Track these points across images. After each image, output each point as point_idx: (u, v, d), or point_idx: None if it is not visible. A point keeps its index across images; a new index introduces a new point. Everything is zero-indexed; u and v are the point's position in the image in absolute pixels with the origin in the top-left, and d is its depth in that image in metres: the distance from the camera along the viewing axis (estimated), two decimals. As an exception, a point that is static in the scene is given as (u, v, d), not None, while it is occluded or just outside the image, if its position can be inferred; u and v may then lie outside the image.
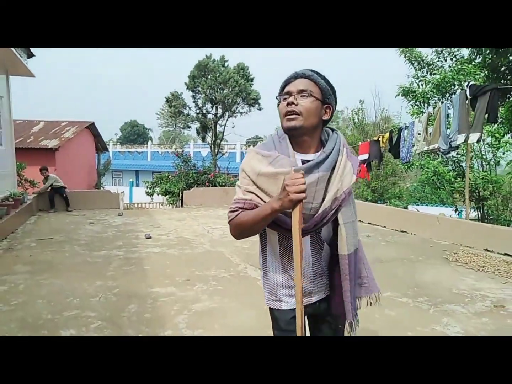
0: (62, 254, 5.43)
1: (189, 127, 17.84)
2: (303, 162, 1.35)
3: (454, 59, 9.56)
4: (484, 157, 9.64)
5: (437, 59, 9.83)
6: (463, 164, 9.34)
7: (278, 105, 1.39)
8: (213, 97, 15.95)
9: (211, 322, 3.22)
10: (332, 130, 1.45)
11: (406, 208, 11.64)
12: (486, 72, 8.27)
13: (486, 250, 5.68)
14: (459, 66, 8.99)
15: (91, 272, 4.59)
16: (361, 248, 1.48)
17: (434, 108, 8.48)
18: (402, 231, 7.35)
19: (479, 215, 9.70)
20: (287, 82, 1.37)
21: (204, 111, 16.66)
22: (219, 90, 15.85)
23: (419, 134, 7.13)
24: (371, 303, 1.51)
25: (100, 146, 19.95)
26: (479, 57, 8.62)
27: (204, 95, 16.01)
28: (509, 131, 8.06)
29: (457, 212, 10.30)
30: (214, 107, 16.47)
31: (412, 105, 9.82)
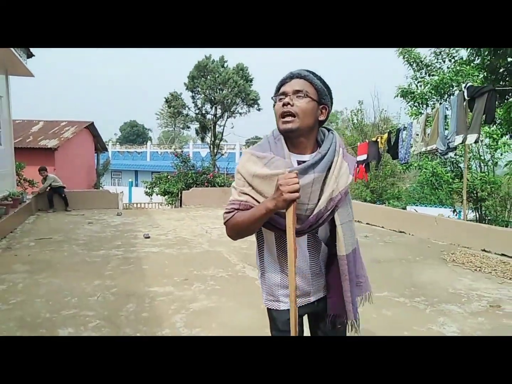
0: (61, 254, 5.44)
1: (189, 127, 17.83)
2: (299, 163, 1.34)
3: (453, 60, 9.59)
4: (482, 158, 9.66)
5: (435, 60, 9.86)
6: (461, 165, 9.36)
7: (274, 105, 1.38)
8: (213, 98, 15.96)
9: (209, 321, 3.24)
10: (328, 130, 1.45)
11: (404, 208, 11.66)
12: (485, 73, 8.30)
13: (484, 250, 5.70)
14: (458, 68, 9.02)
15: (89, 271, 4.60)
16: (358, 248, 1.47)
17: (432, 109, 8.50)
18: (400, 232, 7.37)
19: (477, 216, 9.72)
20: (282, 83, 1.37)
21: (203, 112, 16.66)
22: (218, 91, 15.86)
23: (417, 135, 7.15)
24: (364, 303, 1.51)
25: (100, 146, 19.96)
26: (478, 59, 8.64)
27: (203, 95, 16.01)
28: (508, 132, 8.07)
29: (455, 213, 10.32)
30: (213, 108, 16.47)
31: (410, 106, 9.84)
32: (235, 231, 1.35)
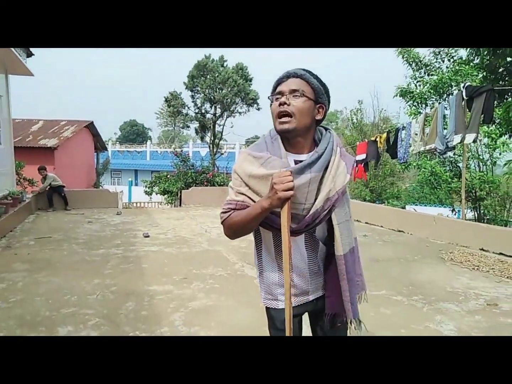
0: (61, 253, 5.46)
1: (188, 126, 17.88)
2: (296, 162, 1.33)
3: (452, 60, 9.61)
4: (481, 157, 9.68)
5: (434, 60, 9.88)
6: (460, 165, 9.38)
7: (271, 105, 1.37)
8: (212, 97, 15.99)
9: (208, 319, 3.25)
10: (326, 129, 1.44)
11: (403, 208, 11.68)
12: (484, 73, 8.31)
13: (482, 249, 5.72)
14: (456, 67, 9.03)
15: (89, 270, 4.62)
16: (357, 247, 1.47)
17: (431, 108, 8.52)
18: (399, 231, 7.39)
19: (476, 215, 9.75)
20: (279, 82, 1.36)
21: (203, 111, 16.70)
22: (218, 90, 15.88)
23: (416, 134, 7.16)
24: (360, 302, 1.51)
25: (99, 146, 19.98)
26: (477, 58, 8.66)
27: (203, 94, 16.04)
28: (507, 132, 8.09)
29: (454, 212, 10.34)
30: (213, 107, 16.51)
31: (409, 106, 9.86)
32: (232, 230, 1.36)
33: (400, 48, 9.84)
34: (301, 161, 1.32)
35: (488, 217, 9.72)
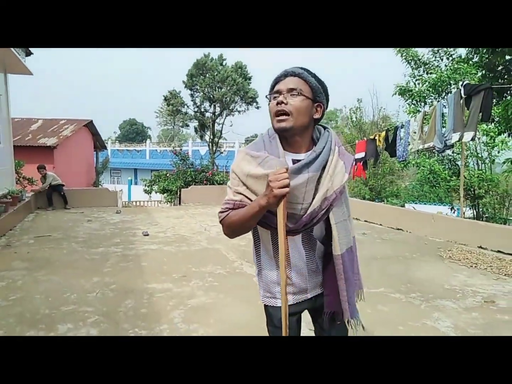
0: (60, 251, 5.48)
1: (188, 125, 17.88)
2: (294, 162, 1.33)
3: (450, 58, 9.62)
4: (480, 155, 9.70)
5: (433, 58, 9.89)
6: (459, 163, 9.40)
7: (269, 103, 1.36)
8: (211, 96, 15.99)
9: (207, 317, 3.27)
10: (324, 128, 1.43)
11: (403, 206, 11.70)
12: (483, 71, 8.33)
13: (480, 247, 5.75)
14: (455, 66, 9.04)
15: (88, 268, 4.64)
16: (355, 246, 1.47)
17: (430, 107, 8.54)
18: (398, 229, 7.41)
19: (474, 213, 9.77)
20: (277, 81, 1.35)
21: (202, 110, 16.70)
22: (217, 89, 15.88)
23: (415, 132, 7.18)
24: (357, 300, 1.50)
25: (99, 144, 19.96)
26: (476, 57, 8.68)
27: (202, 93, 16.04)
28: (505, 130, 8.11)
29: (453, 211, 10.36)
30: (212, 106, 16.52)
31: (408, 104, 9.88)
32: (231, 229, 1.36)
33: (399, 47, 9.84)
34: (299, 160, 1.32)
35: (487, 215, 9.74)
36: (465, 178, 8.76)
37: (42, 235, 6.54)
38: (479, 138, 9.14)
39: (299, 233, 1.36)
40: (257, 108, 16.83)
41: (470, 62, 8.92)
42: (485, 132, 8.81)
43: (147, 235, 6.66)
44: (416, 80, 9.93)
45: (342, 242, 1.37)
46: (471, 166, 9.85)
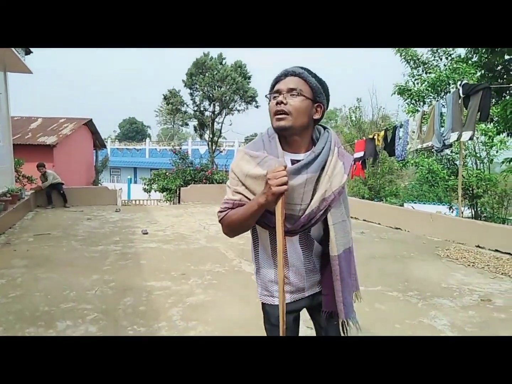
0: (59, 249, 5.50)
1: (187, 124, 17.85)
2: (293, 162, 1.33)
3: (449, 58, 9.63)
4: (478, 155, 9.72)
5: (432, 58, 9.90)
6: (457, 162, 9.42)
7: (269, 103, 1.36)
8: (211, 95, 15.97)
9: (205, 314, 3.29)
10: (324, 128, 1.43)
11: (402, 206, 11.72)
12: (482, 71, 8.34)
13: (478, 246, 5.77)
14: (454, 65, 9.06)
15: (87, 266, 4.66)
16: (352, 247, 1.47)
17: (429, 106, 8.56)
18: (396, 228, 7.44)
19: (473, 213, 9.79)
20: (277, 80, 1.35)
21: (202, 109, 16.68)
22: (216, 88, 15.87)
23: (413, 132, 7.20)
24: (355, 300, 1.52)
25: (98, 143, 19.97)
26: (475, 56, 8.70)
27: (201, 92, 16.02)
28: (504, 130, 8.14)
29: (451, 210, 10.39)
30: (212, 105, 16.50)
31: (407, 104, 9.89)
32: (230, 228, 1.37)
33: (398, 46, 9.86)
34: (298, 161, 1.32)
35: (485, 214, 9.76)
36: (464, 177, 8.78)
37: (42, 233, 6.56)
38: (477, 138, 9.17)
39: (297, 233, 1.37)
40: (257, 107, 16.83)
41: (469, 61, 8.94)
42: (483, 132, 8.83)
43: (146, 233, 6.67)
44: (415, 79, 9.96)
45: (339, 243, 1.37)
46: (469, 165, 9.88)
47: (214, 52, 16.59)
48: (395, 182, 15.94)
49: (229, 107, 16.47)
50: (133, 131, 52.14)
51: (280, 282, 1.30)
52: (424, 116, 7.18)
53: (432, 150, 7.08)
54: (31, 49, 9.78)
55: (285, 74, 1.33)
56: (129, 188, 23.13)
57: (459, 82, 6.29)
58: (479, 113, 5.62)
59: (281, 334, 1.33)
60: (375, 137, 8.45)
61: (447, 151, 8.67)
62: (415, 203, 15.14)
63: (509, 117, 6.81)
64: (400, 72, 10.52)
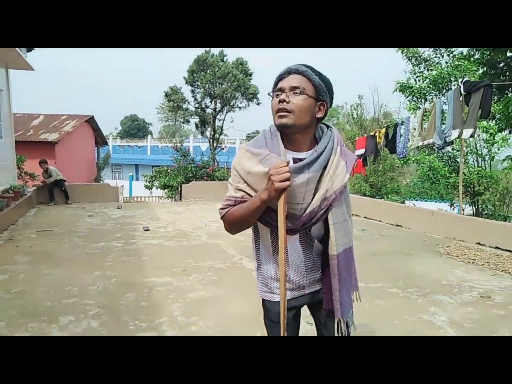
0: (62, 246, 5.53)
1: (188, 121, 17.89)
2: (295, 160, 1.33)
3: (451, 55, 9.61)
4: (479, 152, 9.70)
5: (434, 55, 9.88)
6: (459, 159, 9.42)
7: (272, 101, 1.35)
8: (212, 92, 16.00)
9: (206, 310, 3.32)
10: (327, 126, 1.42)
11: (403, 203, 11.72)
12: (485, 68, 8.33)
13: (478, 243, 5.78)
14: (456, 62, 9.04)
15: (89, 262, 4.69)
16: (353, 247, 1.46)
17: (430, 103, 8.55)
18: (397, 225, 7.44)
19: (474, 210, 9.79)
20: (280, 78, 1.33)
21: (203, 106, 16.71)
22: (218, 85, 15.90)
23: (415, 129, 7.20)
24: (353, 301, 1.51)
25: (100, 140, 20.02)
26: (478, 53, 8.68)
27: (203, 89, 16.05)
28: (506, 127, 8.12)
29: (453, 207, 10.38)
30: (213, 102, 16.52)
31: (409, 101, 9.88)
32: (232, 225, 1.37)
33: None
34: (300, 159, 1.32)
35: (486, 212, 9.76)
36: (465, 175, 8.78)
37: (44, 229, 6.60)
38: (478, 135, 9.15)
39: (297, 232, 1.37)
40: (258, 104, 16.84)
41: (472, 59, 8.92)
42: (485, 129, 8.82)
43: (148, 230, 6.71)
44: (417, 76, 9.93)
45: (338, 243, 1.37)
46: (470, 163, 9.86)
47: (215, 49, 16.60)
48: (396, 179, 15.90)
49: (231, 104, 16.48)
50: (134, 128, 52.17)
51: (281, 278, 1.30)
52: (425, 113, 7.18)
53: (433, 147, 7.08)
54: (33, 46, 9.79)
55: (288, 72, 1.32)
56: (131, 185, 23.18)
57: (460, 79, 6.29)
58: (480, 110, 5.62)
59: (281, 330, 1.34)
60: (376, 134, 8.45)
61: (448, 148, 8.65)
62: (416, 200, 15.12)
63: (511, 115, 6.81)
64: (401, 70, 10.50)
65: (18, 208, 7.76)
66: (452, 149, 9.51)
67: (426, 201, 15.85)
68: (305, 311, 1.59)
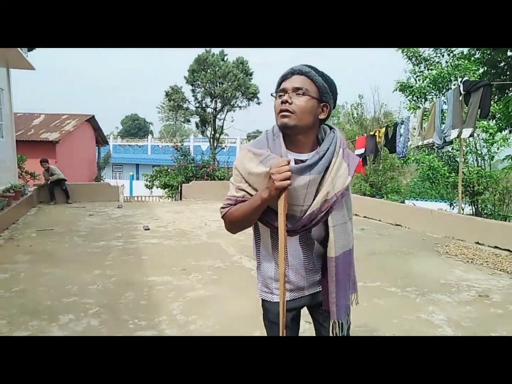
0: (62, 245, 5.55)
1: (189, 121, 17.93)
2: (297, 162, 1.32)
3: (451, 54, 9.61)
4: (479, 152, 9.71)
5: (434, 54, 9.88)
6: (458, 159, 9.43)
7: (275, 101, 1.34)
8: (212, 91, 16.02)
9: (205, 309, 3.34)
10: (330, 128, 1.41)
11: (403, 202, 11.73)
12: (485, 68, 8.33)
13: (477, 243, 5.79)
14: (456, 62, 9.04)
15: (90, 261, 4.71)
16: (353, 250, 1.46)
17: (430, 103, 8.55)
18: (397, 225, 7.46)
19: (473, 210, 9.79)
20: (283, 78, 1.33)
21: (204, 105, 16.74)
22: (218, 84, 15.92)
23: (414, 129, 7.21)
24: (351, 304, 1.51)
25: (100, 139, 20.06)
26: (478, 53, 8.68)
27: (203, 89, 16.08)
28: (506, 127, 8.13)
29: (452, 207, 10.39)
30: (213, 101, 16.55)
31: (409, 100, 9.89)
32: (233, 224, 1.37)
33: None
34: (301, 160, 1.31)
35: (486, 211, 9.76)
36: (464, 174, 8.78)
37: (45, 228, 6.62)
38: (478, 135, 9.15)
39: (297, 233, 1.37)
40: (258, 104, 16.85)
41: (472, 58, 8.92)
42: (484, 129, 8.82)
43: (148, 229, 6.73)
44: (417, 76, 9.93)
45: (338, 245, 1.37)
46: (470, 162, 9.87)
47: (215, 49, 16.61)
48: (396, 179, 15.90)
49: (231, 103, 16.50)
50: (135, 128, 52.23)
51: (281, 277, 1.30)
52: (425, 113, 7.19)
53: (433, 147, 7.09)
54: (34, 45, 9.80)
55: (292, 73, 1.32)
56: (131, 184, 23.20)
57: (460, 79, 6.30)
58: (479, 110, 5.62)
59: (280, 330, 1.34)
60: (376, 133, 8.46)
61: (448, 148, 8.66)
62: (416, 200, 15.13)
63: (511, 114, 6.81)
64: (401, 70, 10.48)
65: (19, 207, 7.78)
66: (452, 148, 9.51)
67: (426, 200, 15.86)
68: (304, 310, 1.60)
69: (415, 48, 9.94)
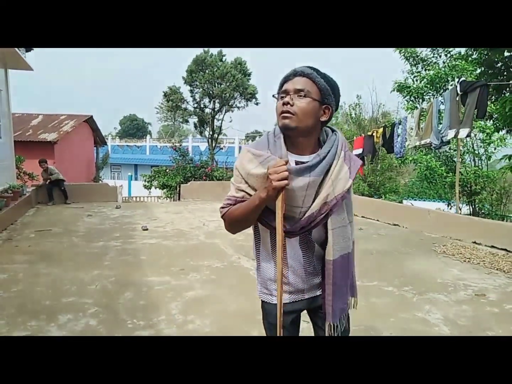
0: (61, 245, 5.56)
1: (187, 121, 17.95)
2: (297, 163, 1.31)
3: (449, 55, 9.65)
4: (476, 152, 9.75)
5: (431, 55, 9.92)
6: (455, 159, 9.46)
7: (277, 103, 1.35)
8: (211, 92, 16.04)
9: (203, 308, 3.35)
10: (333, 130, 1.41)
11: (401, 202, 11.77)
12: (483, 68, 8.36)
13: (474, 242, 5.82)
14: (453, 62, 9.08)
15: (88, 262, 4.72)
16: (353, 252, 1.45)
17: (427, 103, 8.59)
18: (395, 225, 7.48)
19: (471, 210, 9.83)
20: (285, 80, 1.33)
21: (202, 106, 16.76)
22: (216, 85, 15.94)
23: (412, 129, 7.25)
24: (350, 307, 1.52)
25: (99, 140, 20.04)
26: (475, 53, 8.71)
27: (201, 89, 16.10)
28: (503, 127, 8.16)
29: (450, 207, 10.43)
30: (212, 102, 16.56)
31: (407, 101, 9.92)
32: (232, 224, 1.38)
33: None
34: (302, 162, 1.31)
35: (483, 211, 9.80)
36: (461, 174, 8.82)
37: (43, 229, 6.62)
38: (475, 135, 9.19)
39: (296, 235, 1.37)
40: (257, 104, 16.88)
41: (469, 59, 8.95)
42: (481, 129, 8.86)
43: (147, 229, 6.74)
44: (414, 76, 9.97)
45: (336, 248, 1.36)
46: (467, 162, 9.91)
47: (214, 49, 16.63)
48: (394, 179, 15.95)
49: (229, 104, 16.51)
50: (133, 128, 52.16)
51: (278, 276, 1.31)
52: (422, 113, 7.22)
53: (431, 147, 7.12)
54: (32, 46, 9.80)
55: (294, 74, 1.31)
56: (130, 185, 23.20)
57: (457, 79, 6.33)
58: (476, 110, 5.66)
59: (278, 330, 1.35)
60: (374, 134, 8.49)
61: (445, 148, 8.70)
62: (415, 200, 15.17)
63: (508, 114, 6.84)
64: (400, 69, 10.53)
65: (17, 208, 7.78)
66: (449, 148, 9.55)
67: (424, 200, 15.90)
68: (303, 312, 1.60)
69: (412, 49, 9.97)
